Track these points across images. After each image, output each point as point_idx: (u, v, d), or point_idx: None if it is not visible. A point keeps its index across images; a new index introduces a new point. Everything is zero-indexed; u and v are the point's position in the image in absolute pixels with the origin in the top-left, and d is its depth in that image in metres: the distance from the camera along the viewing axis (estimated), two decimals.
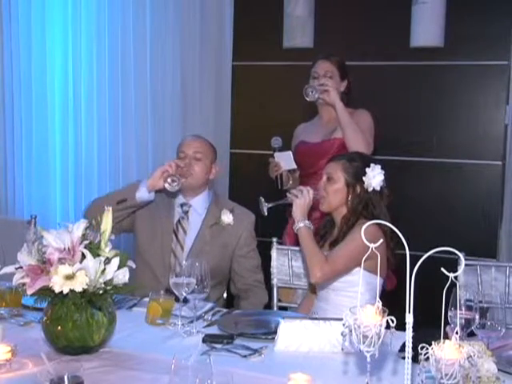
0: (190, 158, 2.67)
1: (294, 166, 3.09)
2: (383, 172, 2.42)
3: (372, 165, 2.41)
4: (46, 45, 4.11)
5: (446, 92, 3.87)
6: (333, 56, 3.13)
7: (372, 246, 1.41)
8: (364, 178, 2.41)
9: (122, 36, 4.07)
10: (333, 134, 3.09)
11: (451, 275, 1.33)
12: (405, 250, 1.37)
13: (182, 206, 2.73)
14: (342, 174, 2.44)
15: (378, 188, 2.41)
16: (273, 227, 2.93)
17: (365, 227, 1.46)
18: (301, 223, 2.36)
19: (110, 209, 1.90)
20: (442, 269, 1.35)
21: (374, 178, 2.40)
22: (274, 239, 2.77)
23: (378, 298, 1.41)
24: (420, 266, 1.31)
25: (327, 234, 2.52)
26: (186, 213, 2.72)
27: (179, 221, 2.71)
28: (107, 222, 1.88)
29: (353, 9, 3.96)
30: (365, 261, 1.44)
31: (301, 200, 2.40)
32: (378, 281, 1.68)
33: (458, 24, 3.71)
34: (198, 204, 2.73)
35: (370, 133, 3.06)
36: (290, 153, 3.09)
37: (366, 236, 1.42)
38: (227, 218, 2.69)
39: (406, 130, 3.90)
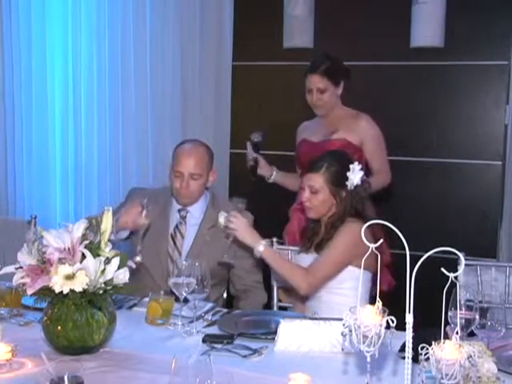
0: (186, 179, 2.64)
1: (253, 155, 3.19)
2: (361, 166, 2.43)
3: (351, 166, 2.41)
4: (46, 44, 4.10)
5: (446, 92, 3.86)
6: (319, 67, 3.06)
7: (372, 246, 1.41)
8: (347, 183, 2.41)
9: (121, 36, 4.06)
10: (333, 135, 3.09)
11: (451, 275, 1.33)
12: (405, 249, 1.37)
13: (179, 211, 2.72)
14: (324, 184, 2.42)
15: (360, 182, 2.42)
16: (273, 227, 2.93)
17: (363, 230, 1.44)
18: (260, 247, 2.33)
19: (110, 208, 1.91)
20: (442, 269, 1.35)
21: (355, 177, 2.40)
22: (274, 239, 2.77)
23: (378, 298, 1.41)
24: (420, 266, 1.31)
25: (314, 236, 2.52)
26: (184, 218, 2.72)
27: (177, 226, 2.71)
28: (107, 222, 1.88)
29: (353, 9, 3.96)
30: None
31: (238, 231, 2.37)
32: (378, 277, 1.65)
33: (458, 24, 3.71)
34: (196, 209, 2.73)
35: (383, 149, 3.11)
36: (249, 144, 3.19)
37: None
38: (224, 219, 2.68)
39: (405, 130, 3.89)
